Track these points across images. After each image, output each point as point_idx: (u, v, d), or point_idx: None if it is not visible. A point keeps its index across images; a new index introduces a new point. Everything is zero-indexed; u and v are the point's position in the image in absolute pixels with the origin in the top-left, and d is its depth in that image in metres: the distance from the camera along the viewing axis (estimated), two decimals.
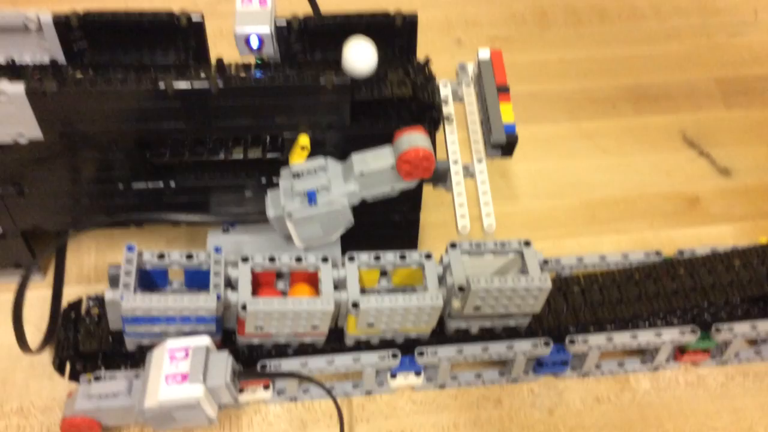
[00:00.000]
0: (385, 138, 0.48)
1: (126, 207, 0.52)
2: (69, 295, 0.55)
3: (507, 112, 0.49)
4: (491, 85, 0.51)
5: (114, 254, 0.59)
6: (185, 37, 0.48)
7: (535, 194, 0.66)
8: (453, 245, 0.49)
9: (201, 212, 0.52)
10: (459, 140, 0.54)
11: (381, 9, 0.49)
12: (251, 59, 0.49)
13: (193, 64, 0.49)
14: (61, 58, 0.48)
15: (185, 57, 0.49)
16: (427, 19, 0.71)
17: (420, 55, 0.51)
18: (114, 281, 0.46)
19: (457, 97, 0.56)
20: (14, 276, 0.56)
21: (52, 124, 0.45)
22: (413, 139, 0.47)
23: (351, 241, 0.51)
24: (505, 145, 0.50)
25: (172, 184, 0.51)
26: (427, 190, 0.53)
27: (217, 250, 0.47)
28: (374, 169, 0.47)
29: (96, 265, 0.59)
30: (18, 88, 0.42)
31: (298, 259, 0.48)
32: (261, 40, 0.47)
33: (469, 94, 0.55)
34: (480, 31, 0.79)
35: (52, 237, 0.58)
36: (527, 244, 0.49)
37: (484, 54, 0.54)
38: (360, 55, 0.44)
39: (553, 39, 0.78)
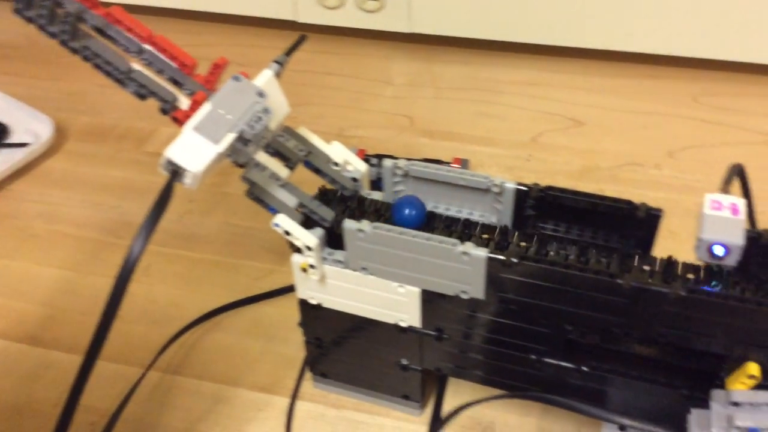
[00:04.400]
0: None
1: (528, 378, 0.51)
2: None
3: None
4: None
5: (487, 410, 0.59)
6: (637, 226, 0.48)
7: None
8: None
9: (604, 406, 0.49)
10: None
11: None
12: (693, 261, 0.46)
13: (639, 255, 0.47)
14: (508, 222, 0.51)
15: (630, 245, 0.48)
16: None
17: None
18: None
19: None
20: (397, 405, 0.59)
21: (497, 289, 0.46)
22: None
23: None
24: None
25: (584, 368, 0.49)
26: None
27: None
28: None
29: (472, 415, 0.59)
30: (481, 252, 0.45)
31: None
32: (727, 251, 0.44)
33: None
34: None
35: (439, 379, 0.60)
36: None
37: None
38: None
39: None
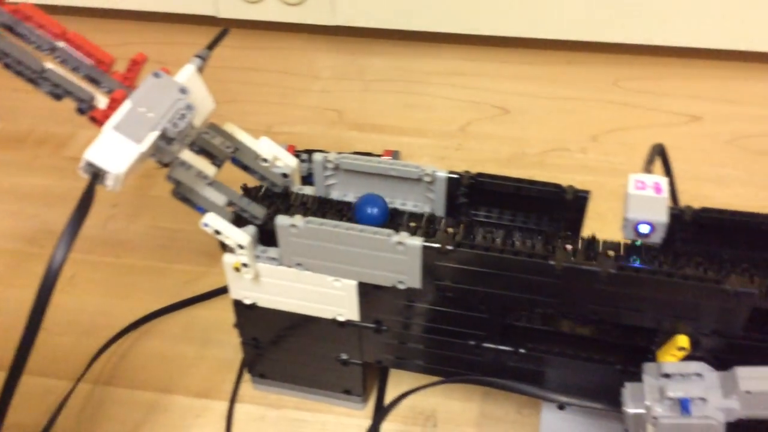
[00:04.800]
0: None
1: (468, 364, 0.51)
2: (384, 431, 0.56)
3: None
4: None
5: (429, 398, 0.59)
6: (566, 208, 0.49)
7: None
8: None
9: (542, 386, 0.50)
10: None
11: None
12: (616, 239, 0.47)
13: (571, 236, 0.48)
14: (440, 211, 0.51)
15: (560, 227, 0.49)
16: None
17: None
18: None
19: None
20: (339, 400, 0.58)
21: (433, 277, 0.46)
22: None
23: None
24: None
25: (522, 350, 0.50)
26: None
27: None
28: (764, 391, 0.42)
29: (414, 405, 0.59)
30: (416, 242, 0.45)
31: None
32: (652, 228, 0.45)
33: None
34: None
35: (380, 371, 0.60)
36: None
37: None
38: None
39: None
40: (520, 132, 0.86)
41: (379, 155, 0.77)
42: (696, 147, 0.83)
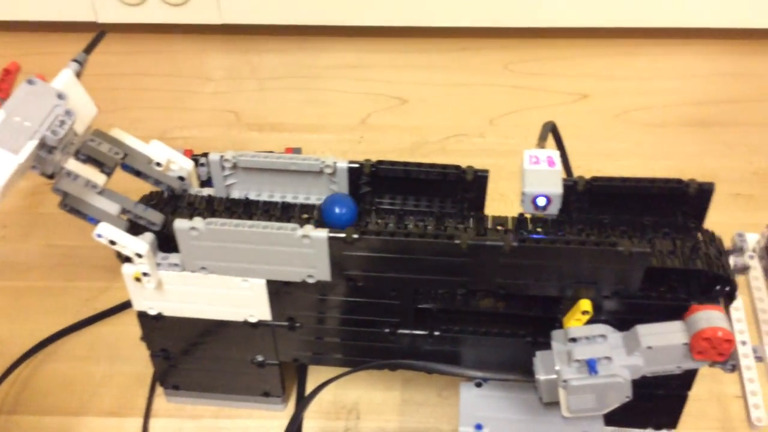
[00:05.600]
0: (671, 310, 0.45)
1: (386, 351, 0.51)
2: (307, 429, 0.56)
3: None
4: None
5: (350, 391, 0.59)
6: (467, 189, 0.49)
7: None
8: None
9: (459, 364, 0.51)
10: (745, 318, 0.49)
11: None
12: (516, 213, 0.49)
13: (473, 216, 0.49)
14: None
15: (464, 208, 0.50)
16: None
17: None
18: None
19: (737, 269, 0.52)
20: (258, 404, 0.57)
21: (342, 268, 0.46)
22: (712, 318, 0.43)
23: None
24: None
25: (436, 332, 0.50)
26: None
27: (479, 426, 0.47)
28: (664, 345, 0.44)
29: (335, 400, 0.58)
30: (322, 233, 0.44)
31: None
32: (549, 201, 0.46)
33: (755, 268, 0.50)
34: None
35: (298, 369, 0.59)
36: None
37: None
38: None
39: None
40: (419, 121, 0.87)
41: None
42: (586, 124, 0.86)
